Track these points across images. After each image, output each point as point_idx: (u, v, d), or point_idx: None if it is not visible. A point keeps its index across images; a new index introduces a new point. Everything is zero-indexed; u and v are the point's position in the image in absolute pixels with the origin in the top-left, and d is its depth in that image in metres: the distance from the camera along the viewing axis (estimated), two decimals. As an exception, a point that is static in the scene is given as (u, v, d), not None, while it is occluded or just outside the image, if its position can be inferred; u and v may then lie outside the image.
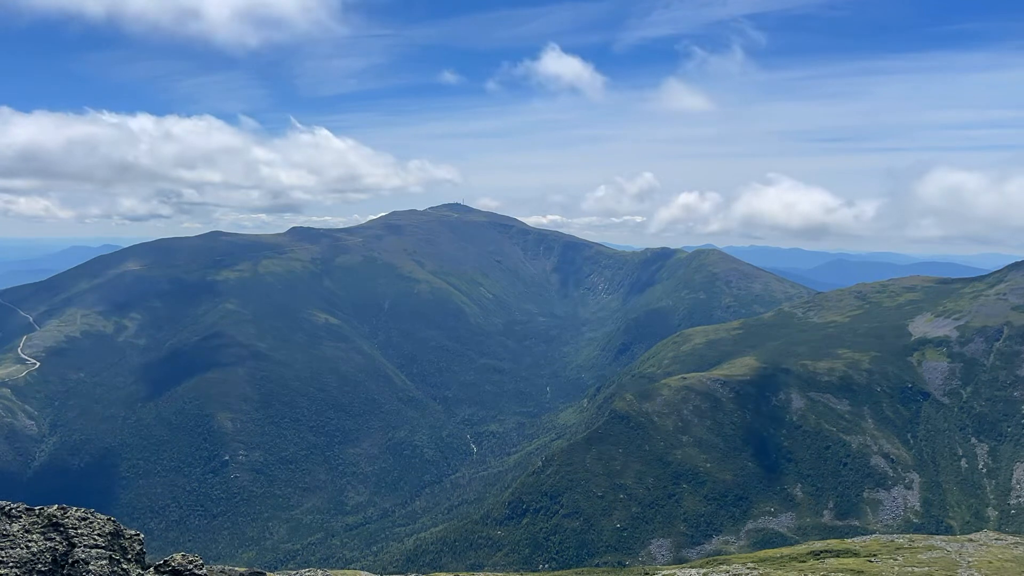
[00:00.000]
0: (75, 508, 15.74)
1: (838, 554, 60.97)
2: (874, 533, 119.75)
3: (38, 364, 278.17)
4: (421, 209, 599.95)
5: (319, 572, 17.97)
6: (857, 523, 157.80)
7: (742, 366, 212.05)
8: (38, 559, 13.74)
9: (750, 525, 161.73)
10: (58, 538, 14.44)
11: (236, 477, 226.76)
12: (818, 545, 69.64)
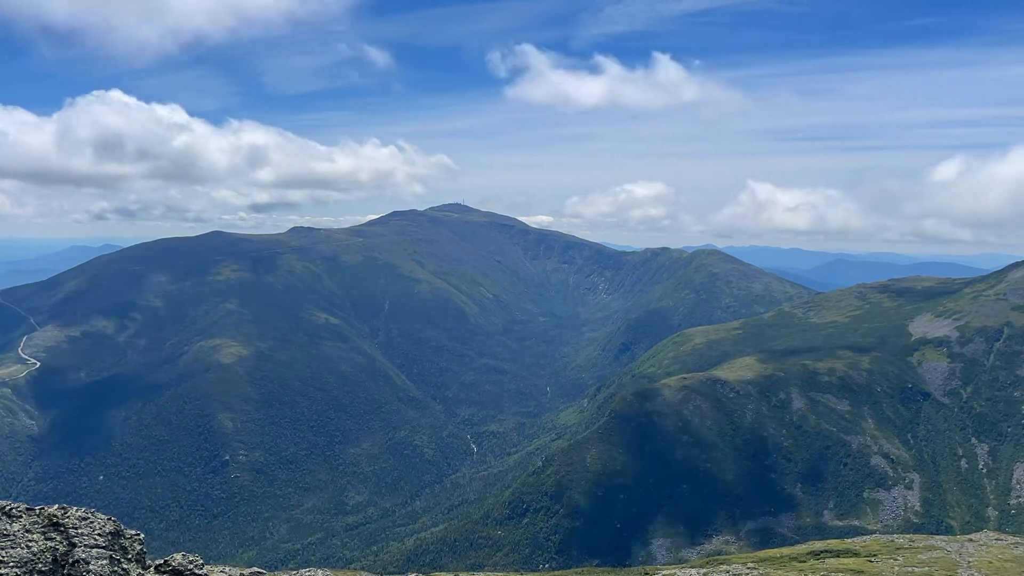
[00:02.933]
0: (75, 508, 15.74)
1: (838, 554, 60.99)
2: (874, 533, 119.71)
3: (38, 364, 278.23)
4: (421, 209, 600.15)
5: (319, 572, 17.96)
6: (857, 523, 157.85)
7: (742, 366, 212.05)
8: (38, 559, 13.75)
9: (750, 525, 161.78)
10: (58, 538, 14.45)
11: (236, 477, 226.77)
12: (818, 545, 69.68)
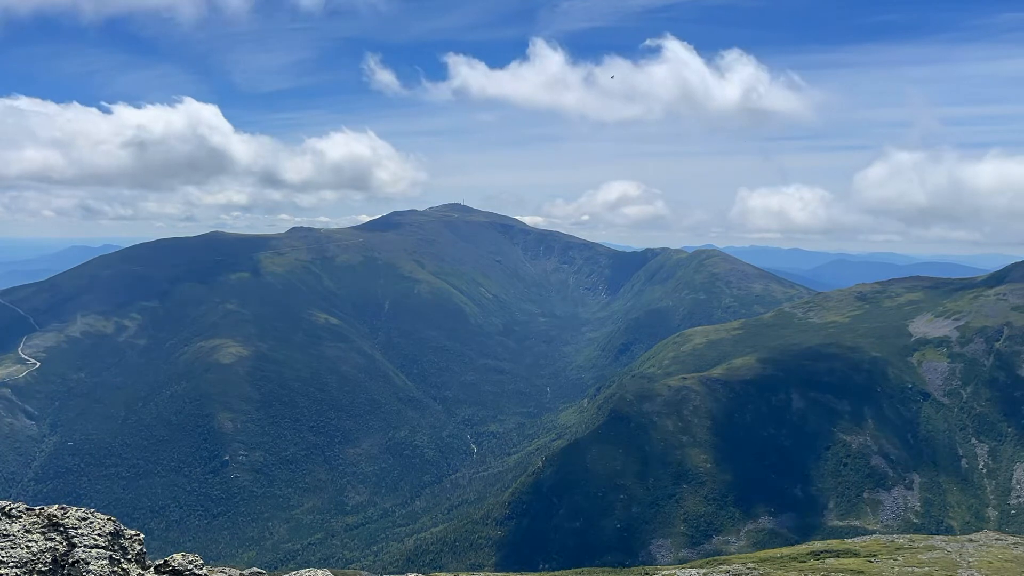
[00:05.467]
0: (75, 508, 15.73)
1: (838, 554, 61.01)
2: (874, 533, 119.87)
3: (38, 364, 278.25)
4: (421, 209, 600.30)
5: (319, 572, 17.93)
6: (857, 523, 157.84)
7: (742, 366, 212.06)
8: (38, 559, 13.75)
9: (750, 525, 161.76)
10: (58, 538, 14.45)
11: (236, 477, 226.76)
12: (818, 545, 69.73)
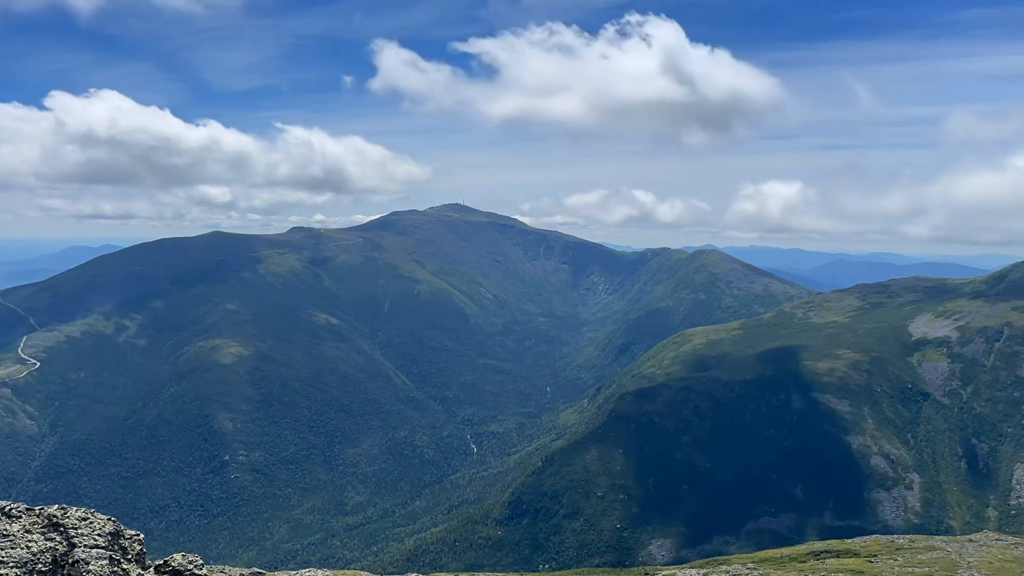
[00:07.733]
0: (75, 508, 15.74)
1: (838, 554, 61.02)
2: (874, 533, 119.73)
3: (38, 364, 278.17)
4: (421, 209, 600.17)
5: (319, 572, 17.95)
6: (857, 523, 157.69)
7: (743, 366, 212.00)
8: (38, 559, 13.75)
9: (750, 525, 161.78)
10: (58, 538, 14.45)
11: (236, 477, 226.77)
12: (818, 545, 69.75)
